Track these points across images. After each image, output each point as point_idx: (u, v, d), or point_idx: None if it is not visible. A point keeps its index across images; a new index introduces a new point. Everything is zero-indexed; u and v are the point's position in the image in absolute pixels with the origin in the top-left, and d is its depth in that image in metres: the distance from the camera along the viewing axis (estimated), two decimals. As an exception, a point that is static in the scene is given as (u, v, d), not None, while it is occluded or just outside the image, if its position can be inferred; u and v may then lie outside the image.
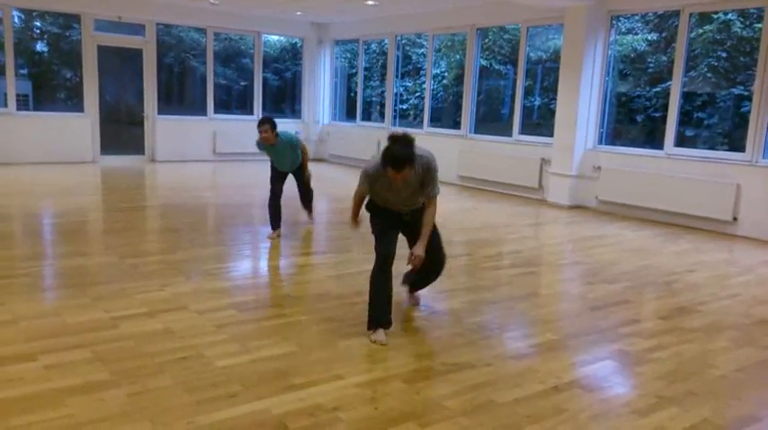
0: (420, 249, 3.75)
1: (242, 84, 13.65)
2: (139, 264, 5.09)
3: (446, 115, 11.76)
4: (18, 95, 10.97)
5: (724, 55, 8.06)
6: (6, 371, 3.07)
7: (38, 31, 12.02)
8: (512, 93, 10.22)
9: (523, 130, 9.93)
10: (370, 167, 3.76)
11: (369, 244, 6.13)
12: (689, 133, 8.18)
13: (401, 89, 12.62)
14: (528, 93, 10.06)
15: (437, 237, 4.01)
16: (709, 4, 7.62)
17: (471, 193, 9.91)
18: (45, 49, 12.16)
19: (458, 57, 11.47)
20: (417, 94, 12.36)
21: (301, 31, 13.75)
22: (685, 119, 8.11)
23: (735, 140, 7.71)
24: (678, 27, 7.88)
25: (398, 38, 12.30)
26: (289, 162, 6.40)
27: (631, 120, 9.15)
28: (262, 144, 6.23)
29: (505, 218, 8.00)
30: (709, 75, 8.10)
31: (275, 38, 14.06)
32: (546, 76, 10.09)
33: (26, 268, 4.90)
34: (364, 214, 4.02)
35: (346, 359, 3.38)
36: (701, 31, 8.13)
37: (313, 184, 6.91)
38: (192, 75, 13.20)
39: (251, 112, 13.39)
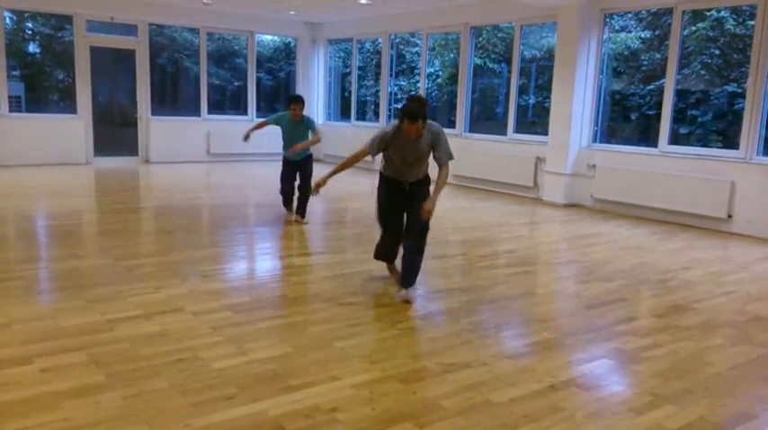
0: (430, 204, 4.26)
1: (236, 84, 13.62)
2: (134, 266, 5.07)
3: (441, 114, 11.76)
4: (10, 97, 10.92)
5: (717, 52, 8.09)
6: (2, 374, 3.06)
7: (30, 32, 11.95)
8: (506, 91, 10.23)
9: (518, 129, 9.94)
10: (388, 126, 4.32)
11: (364, 244, 6.16)
12: (683, 131, 8.20)
13: (395, 88, 12.61)
14: (522, 91, 10.07)
15: (425, 227, 4.42)
16: (701, 1, 7.64)
17: (466, 192, 9.92)
18: (37, 50, 12.10)
19: (452, 55, 11.47)
20: (411, 93, 12.35)
21: (295, 31, 13.73)
22: (679, 116, 8.13)
23: (729, 138, 7.74)
24: (671, 24, 7.90)
25: (392, 37, 12.29)
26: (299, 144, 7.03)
27: (625, 118, 9.17)
28: (286, 117, 6.97)
29: (501, 217, 8.01)
30: (702, 72, 8.13)
31: (269, 37, 14.03)
32: (540, 75, 10.10)
33: (21, 271, 4.88)
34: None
35: (343, 360, 3.38)
36: (694, 28, 8.16)
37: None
38: (185, 75, 13.16)
39: (245, 113, 13.37)
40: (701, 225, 7.56)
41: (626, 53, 9.05)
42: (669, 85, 7.95)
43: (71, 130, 11.41)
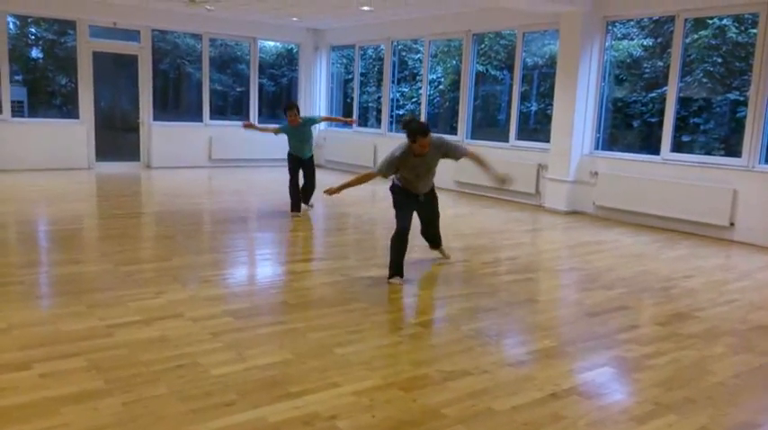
0: (498, 173, 5.16)
1: (238, 90, 13.63)
2: (135, 272, 5.06)
3: (442, 121, 11.76)
4: (13, 102, 10.92)
5: (719, 60, 8.08)
6: (0, 379, 3.04)
7: (33, 37, 11.98)
8: (508, 98, 10.22)
9: (520, 136, 9.93)
10: (397, 151, 4.74)
11: (365, 250, 6.15)
12: (685, 138, 8.19)
13: (397, 95, 12.62)
14: (524, 98, 10.07)
15: (437, 207, 5.38)
16: (704, 9, 7.65)
17: (468, 199, 9.91)
18: (40, 55, 12.12)
19: (454, 62, 11.48)
20: (414, 100, 12.36)
21: (297, 37, 13.75)
22: (681, 124, 8.12)
23: (731, 146, 7.73)
24: (673, 32, 7.90)
25: (394, 43, 12.31)
26: (306, 146, 7.80)
27: (628, 126, 9.16)
28: (287, 126, 7.64)
29: (502, 223, 8.00)
30: (704, 80, 8.12)
31: (271, 44, 14.06)
32: (542, 82, 10.10)
33: (21, 275, 4.87)
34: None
35: (343, 366, 3.36)
36: (696, 36, 8.16)
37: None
38: (187, 81, 13.18)
39: (247, 119, 13.37)
40: (703, 233, 7.54)
41: (628, 61, 9.05)
42: (671, 92, 7.94)
43: (73, 135, 11.42)
